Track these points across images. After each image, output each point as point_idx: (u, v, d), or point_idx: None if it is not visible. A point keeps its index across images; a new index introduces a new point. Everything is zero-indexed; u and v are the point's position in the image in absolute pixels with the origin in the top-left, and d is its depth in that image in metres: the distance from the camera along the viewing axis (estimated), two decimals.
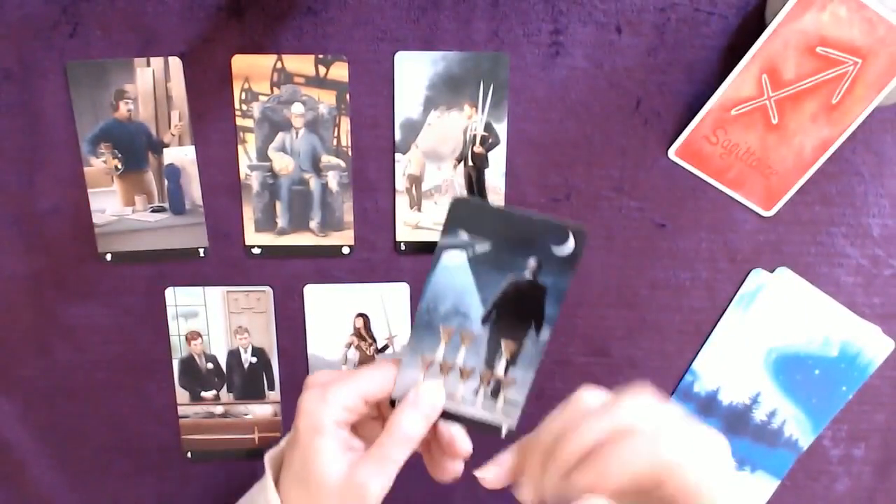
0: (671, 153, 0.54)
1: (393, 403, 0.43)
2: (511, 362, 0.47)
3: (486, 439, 0.45)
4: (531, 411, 0.44)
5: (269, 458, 0.43)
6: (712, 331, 0.58)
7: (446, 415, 0.46)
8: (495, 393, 0.47)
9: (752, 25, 0.52)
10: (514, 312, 0.46)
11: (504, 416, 0.46)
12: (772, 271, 0.56)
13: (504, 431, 0.47)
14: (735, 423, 0.59)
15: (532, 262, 0.45)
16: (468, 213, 0.45)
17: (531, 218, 0.44)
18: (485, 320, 0.47)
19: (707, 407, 0.59)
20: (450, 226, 0.44)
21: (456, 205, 0.44)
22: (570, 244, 0.44)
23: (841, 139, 0.51)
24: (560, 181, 0.55)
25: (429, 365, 0.46)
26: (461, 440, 0.44)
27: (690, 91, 0.53)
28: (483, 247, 0.45)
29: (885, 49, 0.48)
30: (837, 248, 0.56)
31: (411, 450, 0.41)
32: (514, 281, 0.45)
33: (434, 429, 0.44)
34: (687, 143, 0.53)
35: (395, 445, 0.41)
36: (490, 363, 0.47)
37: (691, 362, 0.58)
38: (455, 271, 0.46)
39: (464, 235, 0.45)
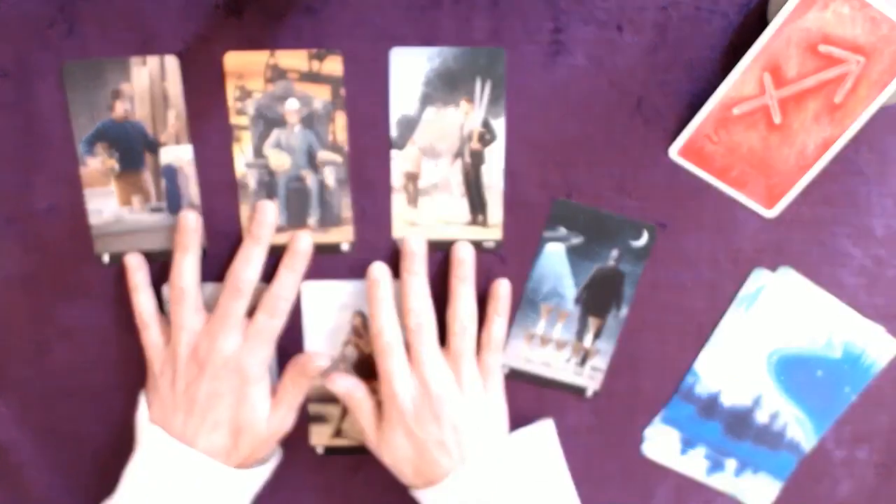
0: (672, 152, 0.54)
1: None
2: (596, 336, 0.56)
3: (574, 398, 0.58)
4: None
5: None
6: (714, 331, 0.57)
7: (543, 380, 0.57)
8: (583, 361, 0.57)
9: (754, 24, 0.51)
10: (600, 294, 0.56)
11: (590, 380, 0.57)
12: (774, 271, 0.56)
13: (589, 393, 0.57)
14: (737, 425, 0.58)
15: (614, 253, 0.55)
16: (566, 212, 0.54)
17: (615, 217, 0.54)
18: (577, 300, 0.56)
19: (708, 409, 0.58)
20: (551, 222, 0.54)
21: (557, 205, 0.54)
22: (644, 238, 0.54)
23: (844, 139, 0.51)
24: (560, 180, 0.54)
25: (531, 338, 0.56)
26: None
27: (692, 90, 0.53)
28: (577, 239, 0.54)
29: (889, 48, 0.47)
30: (840, 248, 0.56)
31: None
32: (600, 267, 0.55)
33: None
34: (688, 142, 0.53)
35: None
36: (580, 336, 0.57)
37: (692, 363, 0.58)
38: (555, 259, 0.55)
39: (562, 230, 0.54)
